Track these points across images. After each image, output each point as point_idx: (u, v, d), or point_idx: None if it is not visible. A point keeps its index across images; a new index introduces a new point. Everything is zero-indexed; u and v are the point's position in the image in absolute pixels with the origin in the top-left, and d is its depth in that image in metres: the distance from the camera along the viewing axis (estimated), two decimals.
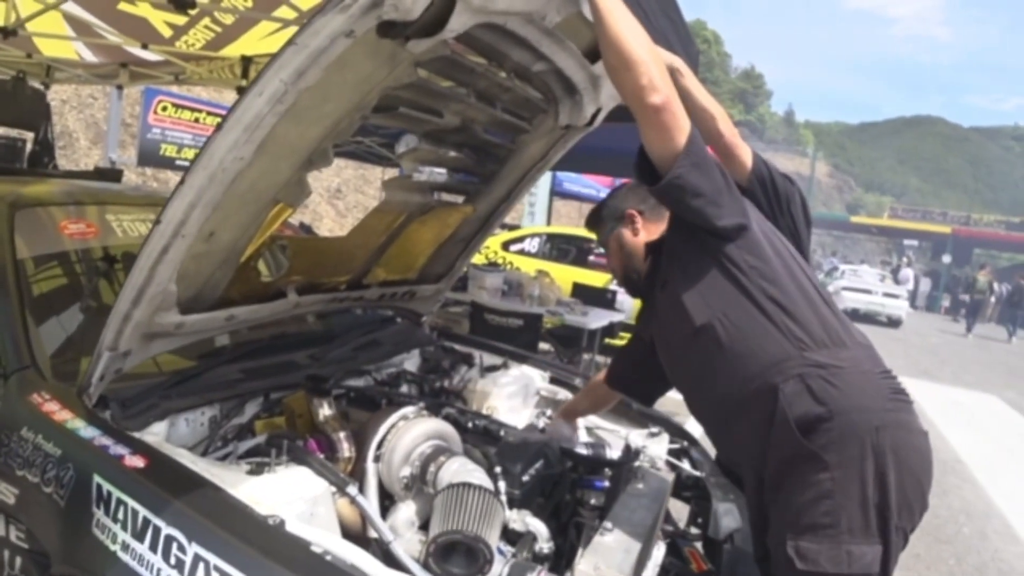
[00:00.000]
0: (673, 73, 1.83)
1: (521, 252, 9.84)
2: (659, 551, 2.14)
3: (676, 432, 2.60)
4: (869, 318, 20.41)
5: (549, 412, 2.74)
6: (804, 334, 1.64)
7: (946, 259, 34.45)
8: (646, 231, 2.02)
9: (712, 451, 2.35)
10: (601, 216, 2.11)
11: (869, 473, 1.55)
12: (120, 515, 1.45)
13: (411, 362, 2.82)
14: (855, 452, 1.55)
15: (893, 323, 20.96)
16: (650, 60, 1.51)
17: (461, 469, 1.76)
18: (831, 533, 1.54)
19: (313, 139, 1.62)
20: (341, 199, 15.98)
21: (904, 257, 34.14)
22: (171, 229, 1.48)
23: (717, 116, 1.93)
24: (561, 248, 9.92)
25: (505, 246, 9.86)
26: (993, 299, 21.62)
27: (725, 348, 1.69)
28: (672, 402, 2.19)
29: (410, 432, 1.85)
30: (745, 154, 1.98)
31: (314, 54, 1.32)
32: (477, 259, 9.12)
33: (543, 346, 6.33)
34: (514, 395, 2.70)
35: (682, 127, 1.58)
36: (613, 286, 7.48)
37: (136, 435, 1.65)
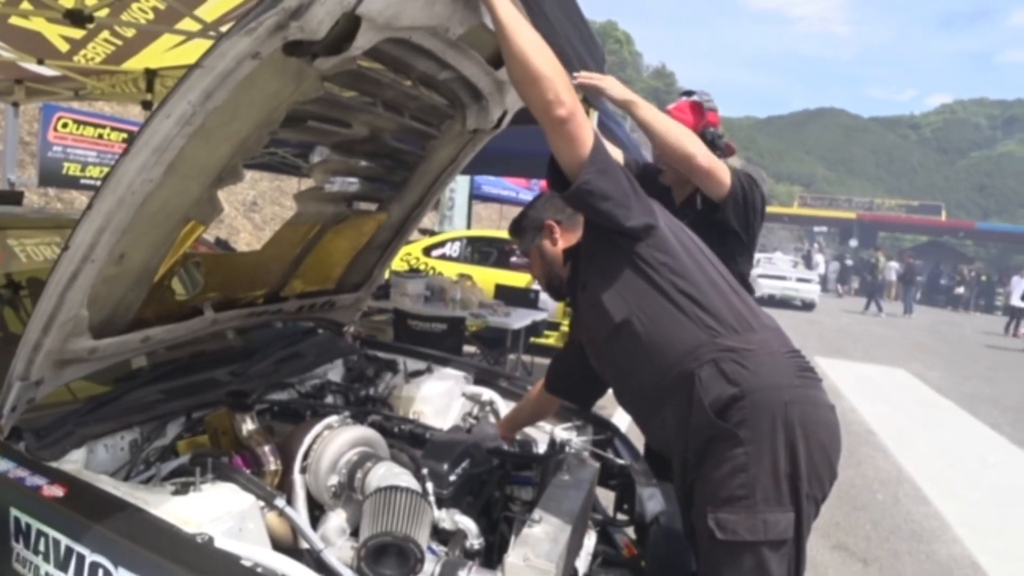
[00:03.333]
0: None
1: (443, 257, 9.82)
2: (590, 540, 2.20)
3: (599, 424, 2.68)
4: (785, 303, 21.22)
5: (475, 412, 2.78)
6: (715, 322, 1.74)
7: (853, 243, 36.07)
8: (564, 239, 2.09)
9: (637, 440, 2.45)
10: (522, 227, 2.18)
11: (780, 445, 1.65)
12: (41, 547, 1.42)
13: (335, 372, 2.81)
14: (766, 427, 1.65)
15: (807, 306, 21.86)
16: (554, 74, 1.56)
17: (388, 473, 1.78)
18: (747, 504, 1.64)
19: (223, 157, 1.61)
20: (257, 212, 15.63)
21: (815, 243, 35.53)
22: (80, 254, 1.45)
23: (696, 155, 2.28)
24: (482, 251, 9.95)
25: (426, 251, 9.83)
26: (893, 276, 22.87)
27: (643, 341, 1.78)
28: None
29: (335, 441, 1.85)
30: (724, 174, 2.31)
31: (221, 76, 1.32)
32: (399, 265, 9.08)
33: (468, 349, 6.36)
34: (439, 398, 2.73)
35: (587, 136, 1.65)
36: (535, 286, 7.57)
37: (53, 464, 1.61)
